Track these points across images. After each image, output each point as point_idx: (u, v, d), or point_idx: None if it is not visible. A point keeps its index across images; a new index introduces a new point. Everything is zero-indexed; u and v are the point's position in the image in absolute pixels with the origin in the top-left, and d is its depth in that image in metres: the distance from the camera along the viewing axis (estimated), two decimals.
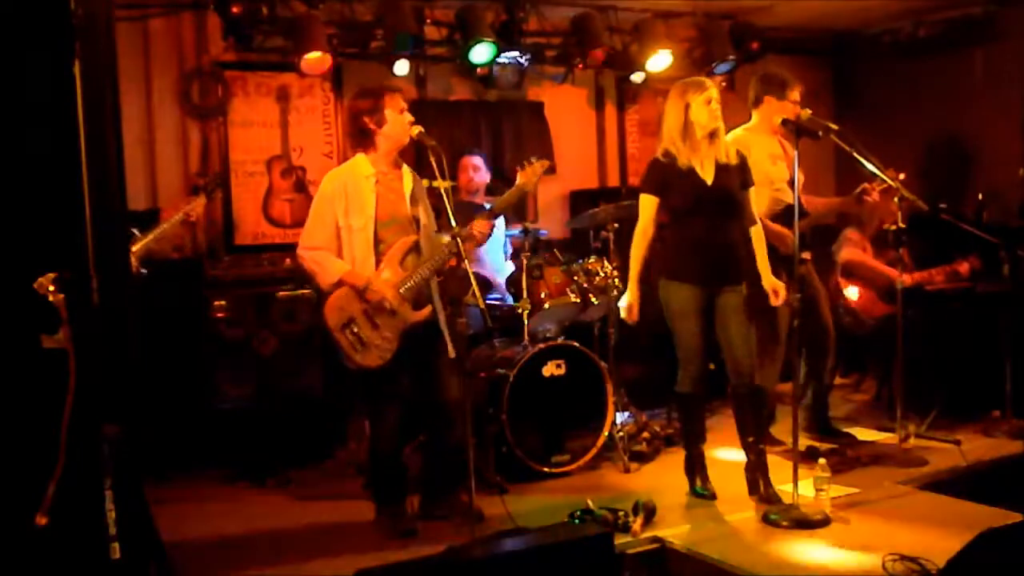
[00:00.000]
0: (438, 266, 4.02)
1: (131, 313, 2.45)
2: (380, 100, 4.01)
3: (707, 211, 4.14)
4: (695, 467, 4.37)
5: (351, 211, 3.98)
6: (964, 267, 5.65)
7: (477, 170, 5.63)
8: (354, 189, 4.01)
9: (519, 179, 4.18)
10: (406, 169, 4.17)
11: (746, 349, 4.23)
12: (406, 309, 3.98)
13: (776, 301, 4.25)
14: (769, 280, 4.26)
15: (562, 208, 6.90)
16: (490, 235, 4.18)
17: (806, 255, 4.87)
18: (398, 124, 4.01)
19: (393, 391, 4.05)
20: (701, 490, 4.31)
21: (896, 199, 4.78)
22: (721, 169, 4.18)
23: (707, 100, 4.11)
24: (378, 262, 3.98)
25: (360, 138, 4.07)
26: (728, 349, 4.22)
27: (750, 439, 4.29)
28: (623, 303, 4.34)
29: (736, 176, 4.22)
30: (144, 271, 4.45)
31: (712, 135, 4.16)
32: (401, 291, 3.96)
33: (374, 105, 4.01)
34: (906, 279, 5.01)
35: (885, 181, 4.74)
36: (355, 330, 3.94)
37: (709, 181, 4.14)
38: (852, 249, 5.63)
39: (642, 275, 4.29)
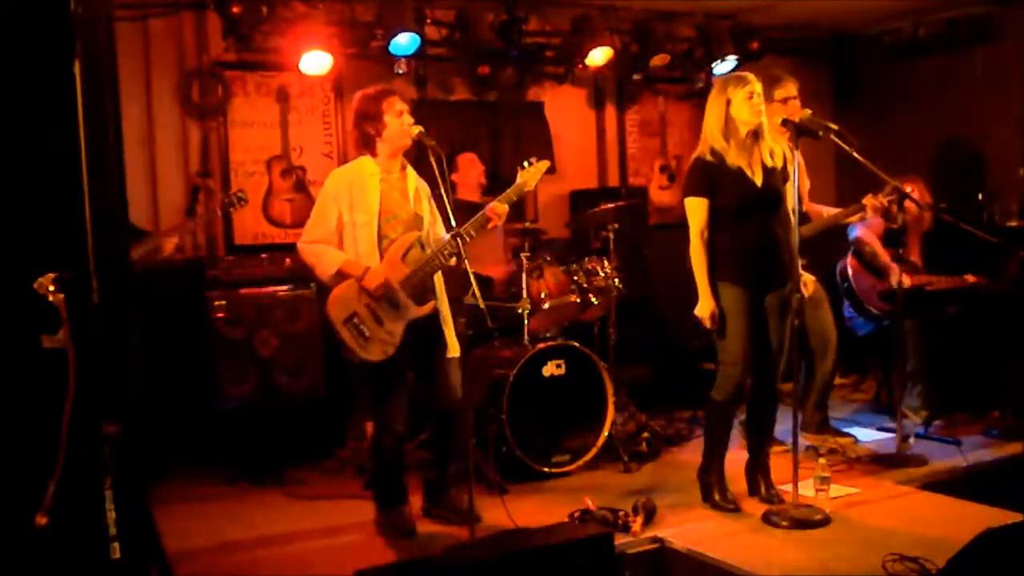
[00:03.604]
0: (441, 261, 4.01)
1: (131, 313, 2.45)
2: (379, 106, 4.02)
3: (756, 214, 4.01)
4: (716, 479, 4.20)
5: (355, 207, 4.00)
6: (970, 279, 5.61)
7: (479, 165, 5.66)
8: (359, 186, 4.02)
9: (519, 178, 4.16)
10: (410, 171, 4.19)
11: (778, 353, 4.15)
12: (409, 303, 3.98)
13: (808, 292, 4.18)
14: (803, 275, 4.16)
15: (562, 208, 6.91)
16: (503, 219, 4.13)
17: (801, 260, 4.85)
18: (397, 128, 4.02)
19: (397, 386, 4.05)
20: (723, 503, 4.15)
21: (890, 200, 4.78)
22: (768, 172, 4.05)
23: (748, 95, 3.95)
24: (381, 257, 3.99)
25: (363, 143, 4.10)
26: (759, 350, 4.10)
27: (757, 441, 4.28)
28: (703, 313, 4.05)
29: (780, 176, 4.09)
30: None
31: (756, 134, 4.02)
32: (402, 284, 3.97)
33: (373, 111, 4.03)
34: (906, 280, 5.01)
35: (885, 182, 4.74)
36: (358, 325, 3.94)
37: (759, 183, 4.01)
38: (867, 231, 5.58)
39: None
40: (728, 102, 4.00)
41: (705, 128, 4.11)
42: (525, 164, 4.17)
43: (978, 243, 5.11)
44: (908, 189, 4.99)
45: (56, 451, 2.14)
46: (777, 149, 4.12)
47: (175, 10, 5.71)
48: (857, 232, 5.61)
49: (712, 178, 4.03)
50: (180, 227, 5.11)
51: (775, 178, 4.08)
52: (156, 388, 4.96)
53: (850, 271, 5.61)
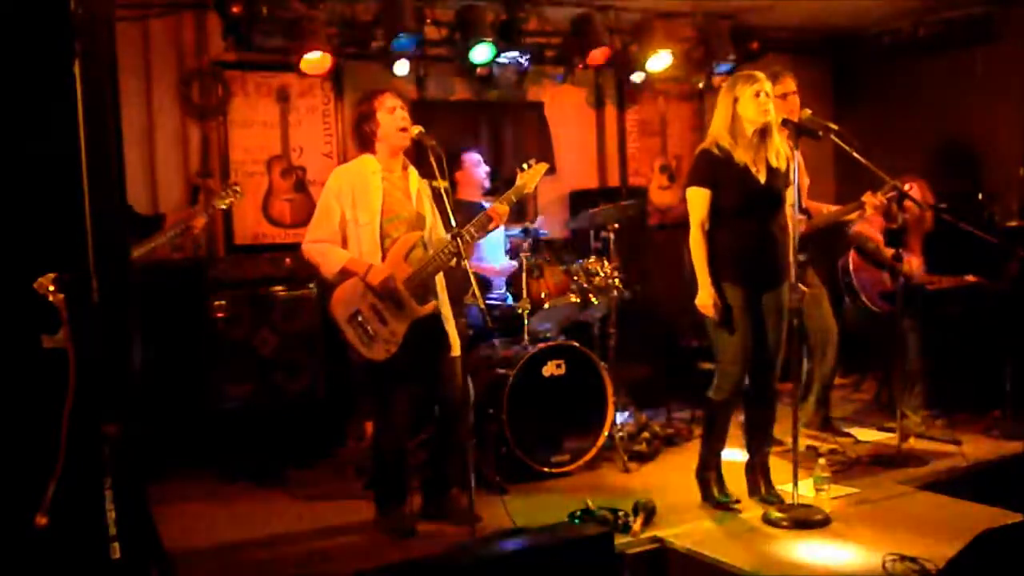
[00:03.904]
0: (443, 261, 4.02)
1: (131, 313, 2.45)
2: (371, 105, 4.06)
3: (758, 213, 4.00)
4: (713, 476, 4.22)
5: (358, 206, 4.02)
6: (970, 280, 5.62)
7: (482, 165, 5.66)
8: (361, 185, 4.04)
9: (518, 180, 4.18)
10: (412, 171, 4.20)
11: (776, 352, 4.15)
12: (412, 303, 3.99)
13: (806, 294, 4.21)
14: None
15: (562, 208, 6.91)
16: (504, 220, 4.15)
17: (800, 257, 4.84)
18: (390, 124, 4.05)
19: (399, 386, 4.06)
20: (722, 498, 4.17)
21: (890, 197, 4.79)
22: (772, 172, 4.04)
23: (756, 93, 3.94)
24: (384, 256, 4.00)
25: (362, 144, 4.14)
26: (757, 350, 4.09)
27: (756, 441, 4.28)
28: (704, 303, 4.02)
29: (783, 178, 4.08)
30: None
31: (763, 133, 4.00)
32: (405, 283, 3.97)
33: (368, 110, 4.07)
34: (909, 265, 5.00)
35: (885, 182, 4.74)
36: (362, 323, 3.95)
37: (762, 181, 4.00)
38: (865, 224, 5.58)
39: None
40: (736, 100, 4.00)
41: (712, 124, 4.12)
42: (524, 166, 4.20)
43: (978, 243, 5.11)
44: (907, 188, 4.99)
45: (56, 451, 2.14)
46: (783, 151, 4.11)
47: (175, 10, 5.71)
48: (855, 227, 5.59)
49: (716, 171, 4.02)
50: (203, 209, 5.07)
51: (778, 179, 4.08)
52: (156, 388, 4.96)
53: (852, 266, 5.61)
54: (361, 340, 3.95)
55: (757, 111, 3.97)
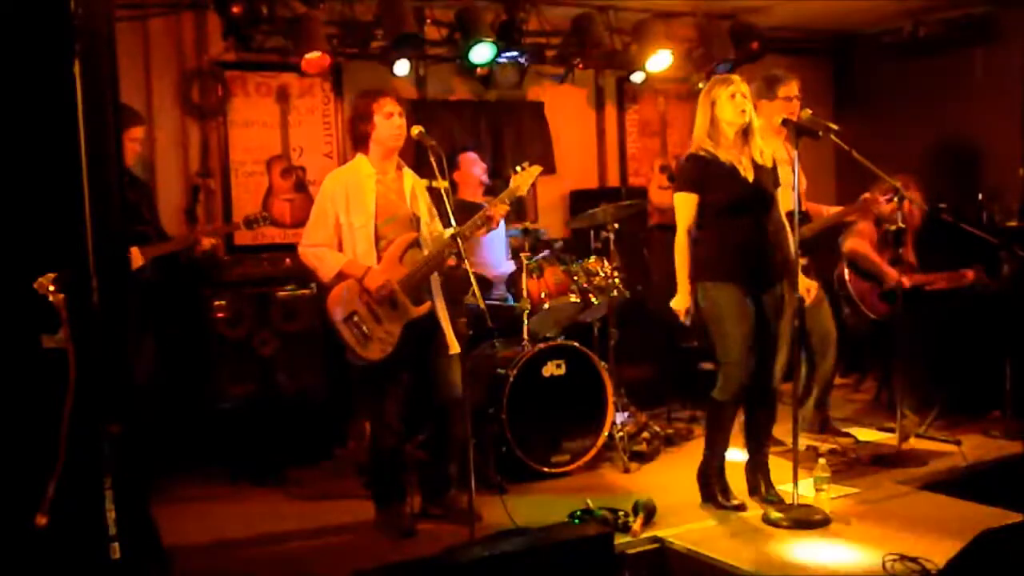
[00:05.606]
0: (439, 261, 4.03)
1: (131, 313, 2.45)
2: (370, 106, 4.07)
3: (749, 210, 4.02)
4: (716, 479, 4.20)
5: (352, 209, 4.03)
6: (969, 275, 5.62)
7: (481, 164, 5.66)
8: (355, 188, 4.05)
9: (512, 182, 4.20)
10: (407, 171, 4.21)
11: (774, 352, 4.15)
12: (407, 304, 3.99)
13: (809, 299, 4.21)
14: (805, 281, 4.19)
15: (562, 208, 6.91)
16: (500, 219, 4.18)
17: (803, 260, 4.85)
18: (386, 129, 4.06)
19: (394, 385, 4.07)
20: (724, 502, 4.14)
21: (887, 198, 4.79)
22: (759, 168, 4.07)
23: (731, 95, 3.99)
24: (379, 258, 4.01)
25: (357, 141, 4.16)
26: (757, 350, 4.09)
27: (756, 441, 4.27)
28: (678, 306, 4.12)
29: (771, 176, 4.11)
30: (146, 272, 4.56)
31: (744, 133, 4.04)
32: (400, 285, 3.98)
33: (364, 111, 4.08)
34: (905, 281, 5.00)
35: (885, 182, 4.75)
36: (358, 323, 3.97)
37: (750, 179, 4.03)
38: (857, 240, 5.58)
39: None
40: (713, 103, 4.06)
41: (695, 130, 4.16)
42: (518, 168, 4.22)
43: (971, 239, 5.12)
44: (899, 185, 4.99)
45: (56, 451, 2.14)
46: (767, 150, 4.15)
47: (175, 10, 5.71)
48: (848, 244, 5.58)
49: (704, 173, 4.05)
50: (220, 229, 5.20)
51: (766, 176, 4.10)
52: (157, 388, 4.97)
53: (847, 276, 5.61)
54: (357, 340, 3.96)
55: (734, 112, 4.01)
